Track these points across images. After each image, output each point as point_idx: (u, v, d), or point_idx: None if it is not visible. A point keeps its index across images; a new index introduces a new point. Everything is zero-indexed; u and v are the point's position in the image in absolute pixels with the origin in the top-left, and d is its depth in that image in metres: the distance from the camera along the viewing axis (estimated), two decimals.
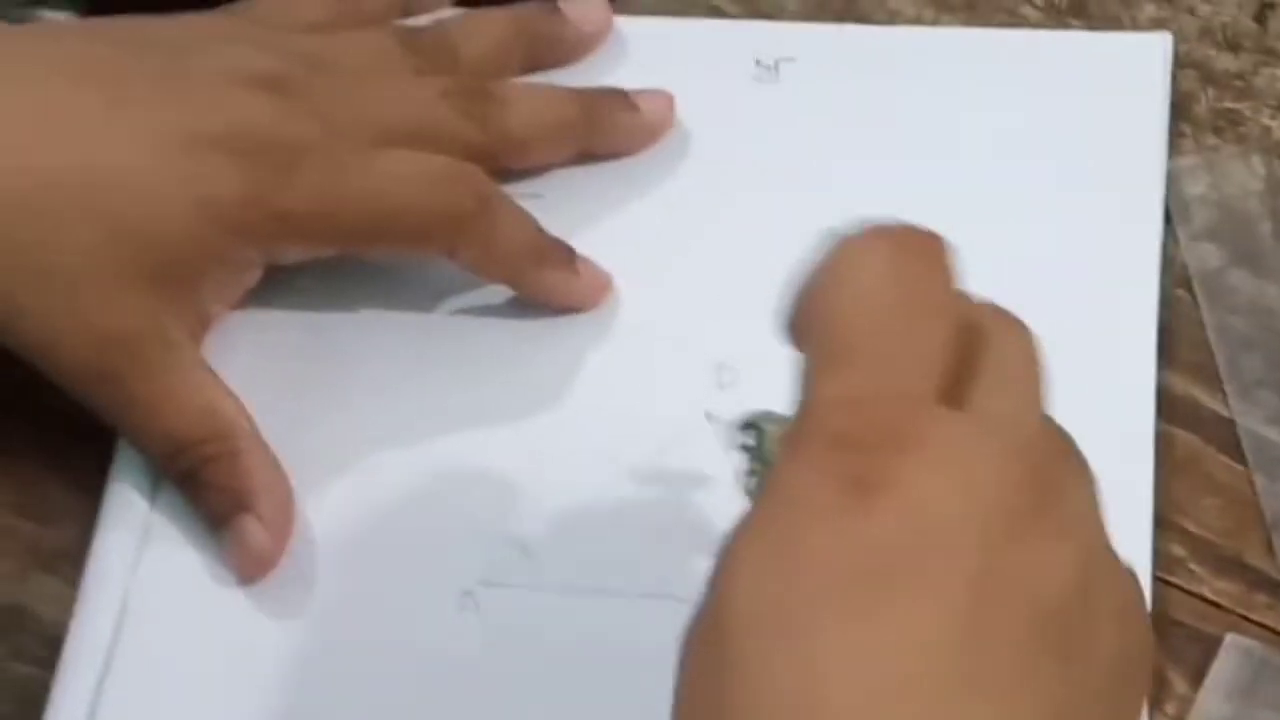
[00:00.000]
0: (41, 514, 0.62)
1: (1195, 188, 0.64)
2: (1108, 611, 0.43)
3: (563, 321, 0.63)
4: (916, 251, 0.44)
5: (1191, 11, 0.68)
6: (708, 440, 0.60)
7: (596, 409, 0.62)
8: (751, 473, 0.50)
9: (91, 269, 0.59)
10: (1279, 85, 0.66)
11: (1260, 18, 0.68)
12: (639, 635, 0.58)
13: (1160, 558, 0.58)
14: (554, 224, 0.63)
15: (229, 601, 0.59)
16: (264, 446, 0.60)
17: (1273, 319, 0.62)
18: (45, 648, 0.59)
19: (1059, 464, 0.43)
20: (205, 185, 0.59)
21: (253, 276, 0.62)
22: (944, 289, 0.44)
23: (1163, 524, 0.59)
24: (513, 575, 0.59)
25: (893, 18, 0.69)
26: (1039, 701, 0.41)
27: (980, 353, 0.44)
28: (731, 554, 0.42)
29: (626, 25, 0.69)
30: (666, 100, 0.66)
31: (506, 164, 0.64)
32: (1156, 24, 0.68)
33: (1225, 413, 0.61)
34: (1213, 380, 0.61)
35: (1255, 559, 0.59)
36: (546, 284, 0.62)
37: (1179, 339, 0.62)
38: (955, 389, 0.43)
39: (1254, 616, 0.58)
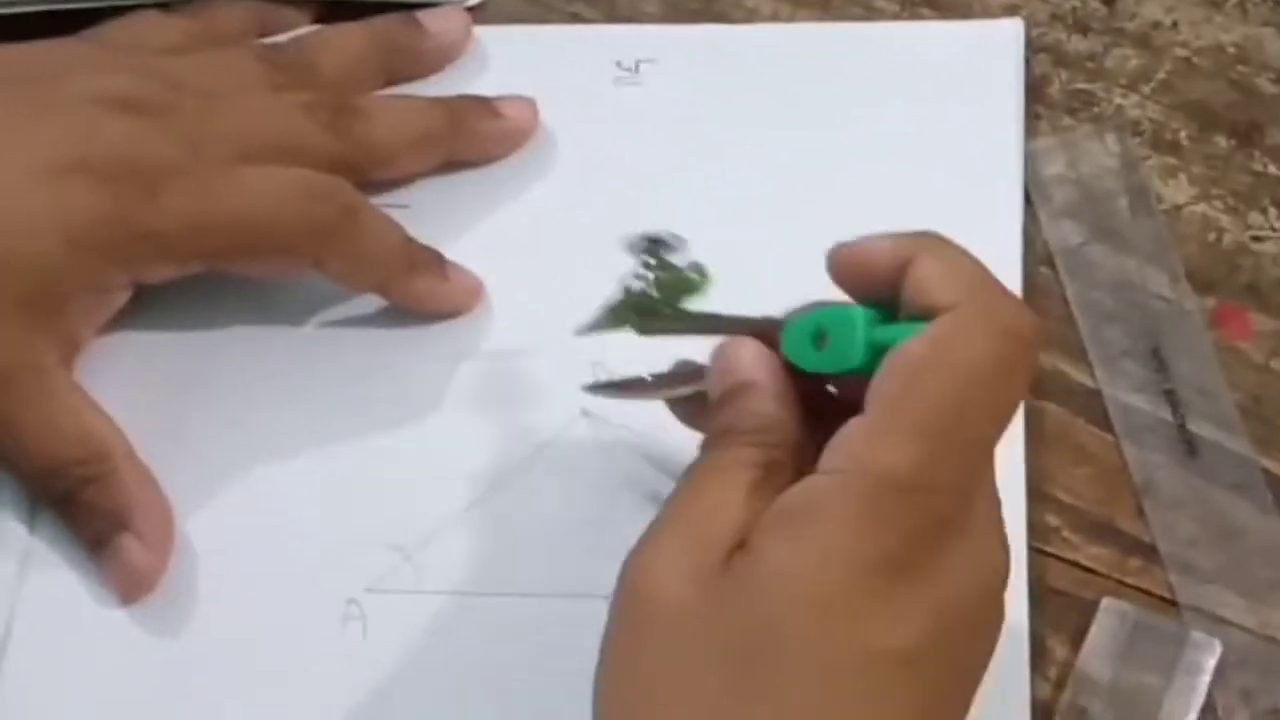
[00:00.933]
0: None
1: (1053, 168, 0.65)
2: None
3: (436, 328, 0.63)
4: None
5: None
6: (585, 439, 0.61)
7: (473, 413, 0.62)
8: (638, 276, 0.53)
9: None
10: (1130, 65, 0.68)
11: (1108, 0, 0.69)
12: (523, 635, 0.58)
13: (1035, 528, 0.59)
14: (423, 233, 0.63)
15: (112, 623, 0.59)
16: (140, 466, 0.60)
17: (1133, 292, 0.63)
18: None
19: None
20: (70, 210, 0.59)
21: (121, 297, 0.62)
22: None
23: (1036, 495, 0.60)
24: (396, 582, 0.59)
25: (750, 16, 0.70)
26: None
27: None
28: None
29: (487, 34, 0.69)
30: (529, 105, 0.66)
31: (372, 175, 0.64)
32: (1008, 10, 0.69)
33: (1092, 384, 0.62)
34: (1078, 353, 0.62)
35: (1127, 524, 0.60)
36: (417, 291, 0.63)
37: (1044, 315, 0.63)
38: None
39: (1129, 580, 0.59)
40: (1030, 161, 0.65)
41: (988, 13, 0.69)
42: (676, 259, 0.55)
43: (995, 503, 0.50)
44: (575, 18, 0.70)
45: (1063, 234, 0.64)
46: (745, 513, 0.48)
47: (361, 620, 0.59)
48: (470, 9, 0.69)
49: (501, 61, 0.69)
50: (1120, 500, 0.60)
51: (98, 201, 0.59)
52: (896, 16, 0.69)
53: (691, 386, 0.54)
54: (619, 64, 0.68)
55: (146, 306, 0.63)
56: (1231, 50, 0.68)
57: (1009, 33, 0.68)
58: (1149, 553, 0.59)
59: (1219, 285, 0.63)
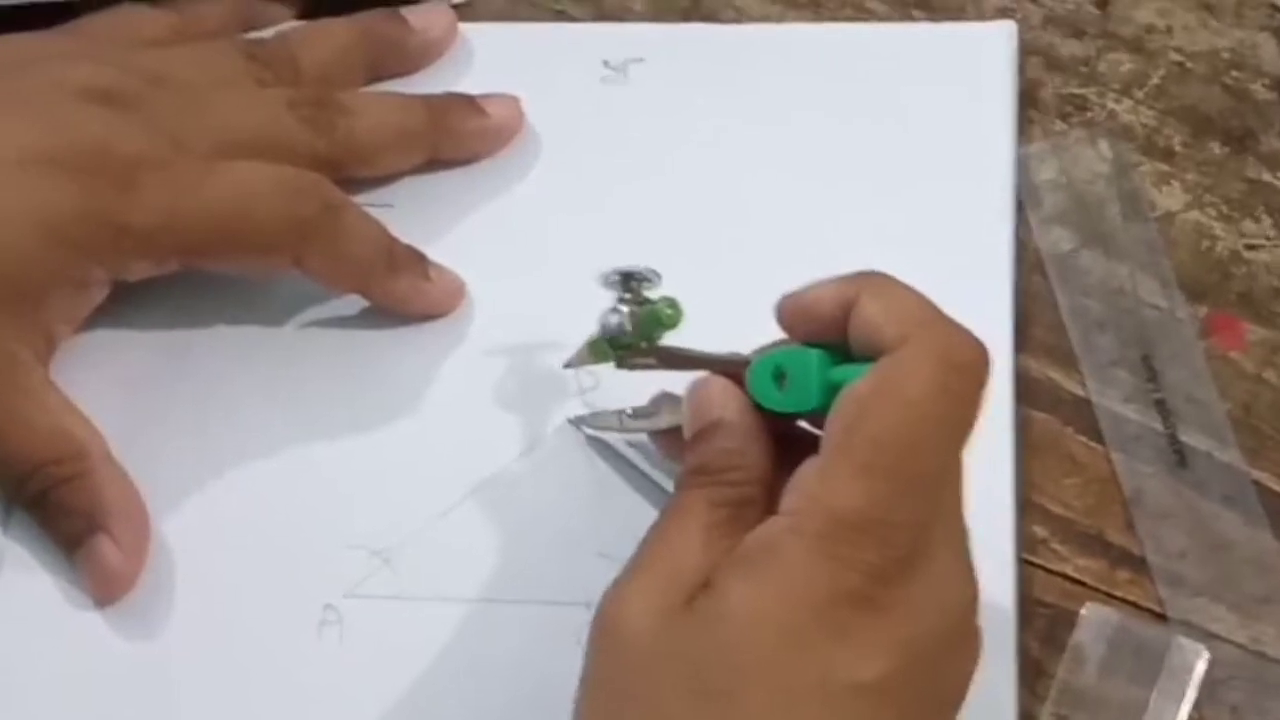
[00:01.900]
0: None
1: (1044, 173, 0.65)
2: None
3: (418, 329, 0.63)
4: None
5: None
6: (568, 443, 0.60)
7: (455, 416, 0.61)
8: (614, 310, 0.55)
9: None
10: (1123, 69, 0.67)
11: (1102, 4, 0.68)
12: (501, 641, 0.57)
13: (1023, 538, 0.58)
14: (407, 232, 0.62)
15: (86, 625, 0.58)
16: (116, 467, 0.59)
17: (1124, 299, 0.62)
18: None
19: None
20: (45, 203, 0.58)
21: (99, 294, 0.61)
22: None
23: (1024, 505, 0.59)
24: (374, 587, 0.59)
25: (740, 15, 0.69)
26: None
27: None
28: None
29: (473, 31, 0.68)
30: (514, 104, 0.66)
31: (354, 173, 0.63)
32: (1001, 13, 0.68)
33: (1082, 393, 0.61)
34: (1068, 361, 0.62)
35: (1116, 536, 0.59)
36: (399, 291, 0.62)
37: (1034, 322, 0.62)
38: None
39: (1117, 593, 0.58)
40: (1021, 166, 0.64)
41: (980, 15, 0.68)
42: (651, 293, 0.56)
43: (959, 533, 0.50)
44: (562, 16, 0.69)
45: (1054, 240, 0.64)
46: (711, 553, 0.49)
47: (339, 625, 0.58)
48: (456, 6, 0.68)
49: (487, 59, 0.68)
50: (1109, 511, 0.59)
51: (73, 194, 0.59)
52: (888, 18, 0.68)
53: (669, 420, 0.55)
54: (606, 63, 0.67)
55: (125, 305, 0.62)
56: (1226, 55, 0.67)
57: (1001, 35, 0.67)
58: (1138, 565, 0.58)
59: (1211, 294, 0.63)
